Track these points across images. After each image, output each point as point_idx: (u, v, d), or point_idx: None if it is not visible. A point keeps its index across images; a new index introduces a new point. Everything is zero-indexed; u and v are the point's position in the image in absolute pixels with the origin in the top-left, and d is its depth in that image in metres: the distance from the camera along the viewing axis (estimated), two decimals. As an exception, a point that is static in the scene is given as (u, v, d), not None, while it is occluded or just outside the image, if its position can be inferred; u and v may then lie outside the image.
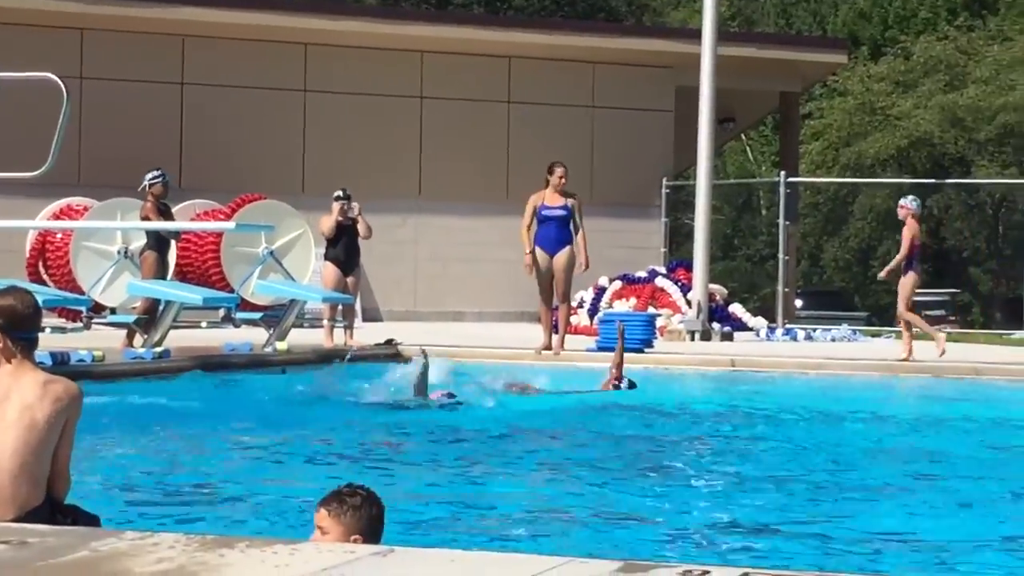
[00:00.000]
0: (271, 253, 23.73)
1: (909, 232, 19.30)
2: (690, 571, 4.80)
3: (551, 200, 18.83)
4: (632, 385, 15.22)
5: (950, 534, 7.15)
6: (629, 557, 5.31)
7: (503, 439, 11.15)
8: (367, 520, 5.42)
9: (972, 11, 55.77)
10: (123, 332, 18.82)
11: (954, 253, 48.84)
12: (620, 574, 4.74)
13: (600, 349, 19.27)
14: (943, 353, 19.15)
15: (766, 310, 31.32)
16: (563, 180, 18.79)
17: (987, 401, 15.43)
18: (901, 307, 19.24)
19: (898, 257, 19.33)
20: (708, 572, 4.76)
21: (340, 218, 19.37)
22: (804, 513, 7.92)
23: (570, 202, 18.85)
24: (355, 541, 5.26)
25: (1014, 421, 13.07)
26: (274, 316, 20.65)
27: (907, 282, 19.30)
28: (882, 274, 20.38)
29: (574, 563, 4.84)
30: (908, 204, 19.84)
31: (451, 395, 13.99)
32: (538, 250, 18.81)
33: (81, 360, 13.94)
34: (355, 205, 19.58)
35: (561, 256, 18.78)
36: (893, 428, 12.69)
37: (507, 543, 6.72)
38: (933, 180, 43.54)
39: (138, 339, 17.80)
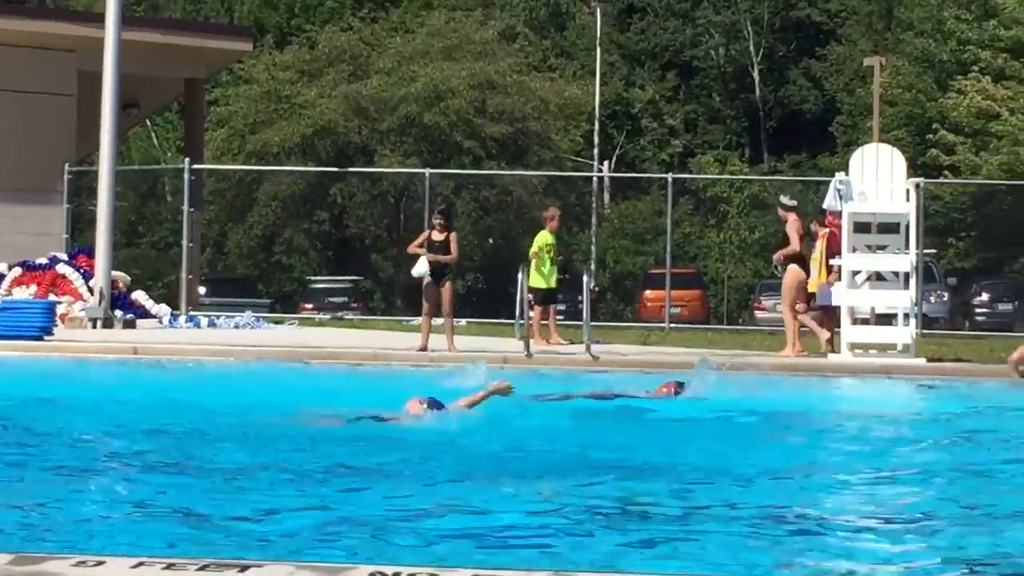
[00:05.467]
0: None
1: None
2: (84, 561, 4.80)
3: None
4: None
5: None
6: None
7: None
8: None
9: (376, 2, 57.18)
10: None
11: (357, 240, 49.86)
12: (11, 568, 4.68)
13: (1, 337, 18.76)
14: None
15: (171, 297, 31.18)
16: None
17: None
18: None
19: None
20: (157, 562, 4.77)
21: None
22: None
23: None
24: None
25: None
26: None
27: None
28: None
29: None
30: None
31: (681, 385, 14.08)
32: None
33: None
34: None
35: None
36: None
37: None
38: (337, 168, 44.33)
39: None
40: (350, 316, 36.10)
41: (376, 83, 47.17)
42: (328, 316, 34.81)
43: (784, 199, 22.14)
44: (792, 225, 21.12)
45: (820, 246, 21.17)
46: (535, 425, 11.92)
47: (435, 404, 11.68)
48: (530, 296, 23.39)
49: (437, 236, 20.09)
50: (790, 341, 20.91)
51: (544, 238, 22.96)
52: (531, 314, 21.34)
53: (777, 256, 21.74)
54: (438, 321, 20.37)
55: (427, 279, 20.01)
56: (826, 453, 10.96)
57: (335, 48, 49.56)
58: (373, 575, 4.81)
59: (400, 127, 47.17)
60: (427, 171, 35.22)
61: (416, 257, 20.18)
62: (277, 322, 28.94)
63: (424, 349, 19.63)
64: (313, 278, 46.85)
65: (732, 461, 9.73)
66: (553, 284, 22.91)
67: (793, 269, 21.04)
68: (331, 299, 42.81)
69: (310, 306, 41.82)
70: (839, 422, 13.45)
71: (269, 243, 49.38)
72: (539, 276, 22.72)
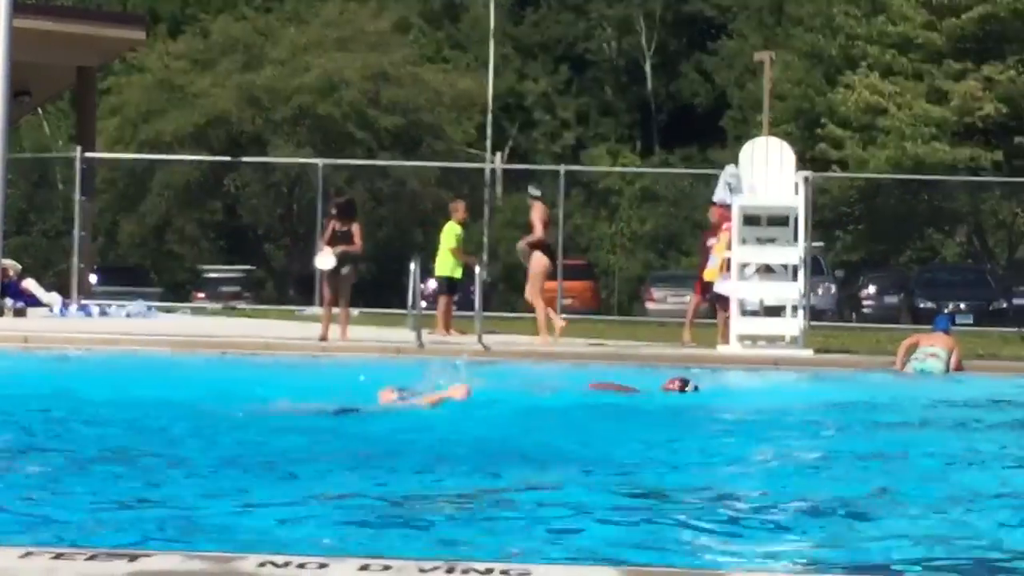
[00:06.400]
0: None
1: None
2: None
3: None
4: (696, 389, 14.19)
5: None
6: None
7: None
8: None
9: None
10: None
11: (250, 230, 49.68)
12: None
13: None
14: None
15: (62, 286, 30.92)
16: None
17: (276, 376, 15.92)
18: None
19: None
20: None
21: None
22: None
23: None
24: None
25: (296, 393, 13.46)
26: None
27: None
28: None
29: None
30: None
31: (685, 381, 13.67)
32: None
33: None
34: None
35: None
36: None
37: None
38: (230, 158, 44.11)
39: None
40: (242, 305, 36.01)
41: (270, 73, 47.00)
42: (220, 305, 34.70)
43: (531, 189, 22.39)
44: (536, 213, 21.34)
45: (725, 238, 21.41)
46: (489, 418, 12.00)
47: (407, 393, 11.72)
48: (429, 286, 23.48)
49: (341, 227, 20.24)
50: (541, 329, 21.16)
51: (454, 229, 23.07)
52: (422, 304, 21.41)
53: (521, 244, 21.89)
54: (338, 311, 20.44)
55: (330, 268, 20.12)
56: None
57: (229, 38, 49.31)
58: (263, 564, 4.86)
59: (293, 117, 47.07)
60: (320, 161, 35.21)
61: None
62: (169, 311, 28.84)
63: (325, 338, 19.70)
64: (205, 267, 46.62)
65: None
66: (460, 274, 23.12)
67: (538, 256, 21.23)
68: (223, 288, 42.66)
69: (202, 295, 41.65)
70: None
71: (161, 232, 49.08)
72: (450, 265, 22.85)
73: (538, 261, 21.17)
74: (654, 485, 8.41)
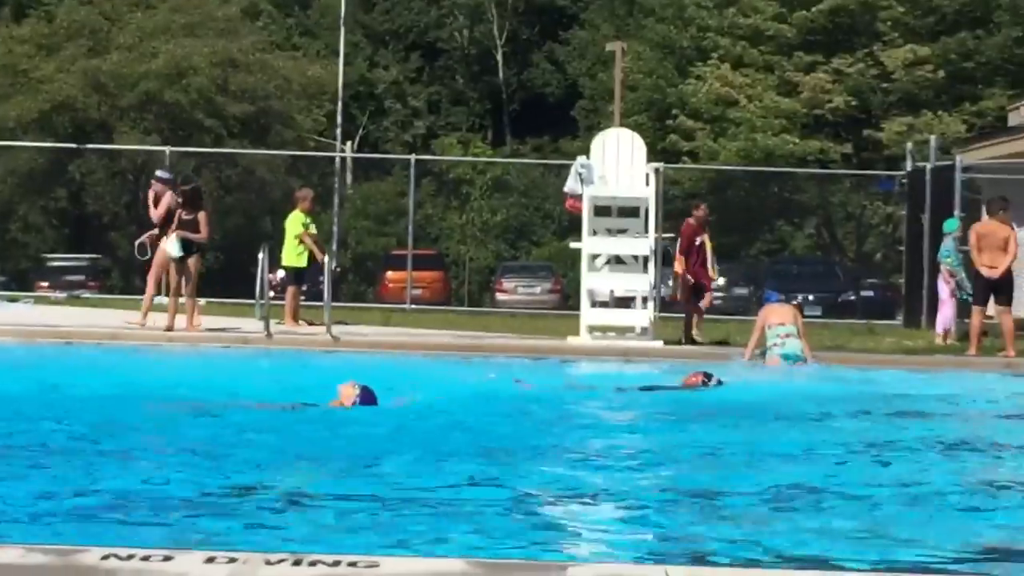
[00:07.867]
0: None
1: None
2: None
3: None
4: (719, 382, 14.17)
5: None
6: None
7: None
8: None
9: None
10: None
11: (95, 218, 48.99)
12: None
13: None
14: None
15: None
16: None
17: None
18: None
19: None
20: None
21: None
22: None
23: None
24: None
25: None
26: None
27: None
28: None
29: None
30: None
31: (708, 375, 14.12)
32: None
33: None
34: None
35: None
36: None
37: None
38: (75, 145, 43.49)
39: None
40: (87, 295, 35.49)
41: (116, 59, 46.33)
42: (64, 295, 34.13)
43: (159, 172, 22.19)
44: (165, 199, 20.98)
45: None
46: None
47: (366, 391, 11.40)
48: (278, 275, 23.25)
49: (187, 215, 20.00)
50: (144, 311, 20.99)
51: (299, 218, 22.86)
52: (271, 293, 21.21)
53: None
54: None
55: (177, 256, 19.89)
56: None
57: (74, 22, 48.54)
58: (106, 557, 4.75)
59: (140, 104, 46.46)
60: (167, 149, 34.81)
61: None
62: (12, 300, 28.33)
63: (171, 328, 19.46)
64: (48, 255, 45.88)
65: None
66: (305, 263, 22.89)
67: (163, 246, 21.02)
68: (68, 277, 41.99)
69: (46, 284, 40.96)
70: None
71: (4, 219, 48.19)
72: (297, 255, 22.64)
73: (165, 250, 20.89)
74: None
